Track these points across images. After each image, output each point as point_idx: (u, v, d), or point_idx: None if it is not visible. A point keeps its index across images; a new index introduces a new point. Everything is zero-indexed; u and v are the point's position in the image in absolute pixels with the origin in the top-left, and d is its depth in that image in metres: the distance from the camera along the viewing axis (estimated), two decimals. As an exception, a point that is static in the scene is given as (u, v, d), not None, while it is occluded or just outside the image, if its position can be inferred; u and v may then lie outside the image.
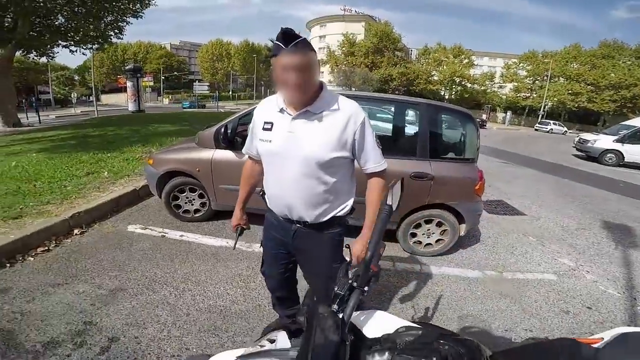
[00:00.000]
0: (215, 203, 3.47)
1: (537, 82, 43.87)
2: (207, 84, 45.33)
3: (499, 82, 48.53)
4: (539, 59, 43.18)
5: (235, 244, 1.72)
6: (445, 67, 43.91)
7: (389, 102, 3.87)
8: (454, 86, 46.10)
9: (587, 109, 40.34)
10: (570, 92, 40.08)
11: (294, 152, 1.27)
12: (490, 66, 55.81)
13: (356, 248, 1.36)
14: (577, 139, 15.59)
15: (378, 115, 3.92)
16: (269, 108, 1.35)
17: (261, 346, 1.00)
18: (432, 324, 1.34)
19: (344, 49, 45.24)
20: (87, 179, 4.37)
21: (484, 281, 3.05)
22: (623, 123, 15.32)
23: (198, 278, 2.60)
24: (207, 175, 3.30)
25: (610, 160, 13.22)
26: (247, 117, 3.20)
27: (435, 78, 45.29)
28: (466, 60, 44.97)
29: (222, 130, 3.12)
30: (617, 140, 13.35)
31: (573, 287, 3.13)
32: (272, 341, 1.02)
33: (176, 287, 2.46)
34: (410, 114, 3.50)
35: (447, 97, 45.88)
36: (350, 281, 0.85)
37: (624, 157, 13.10)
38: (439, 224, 3.23)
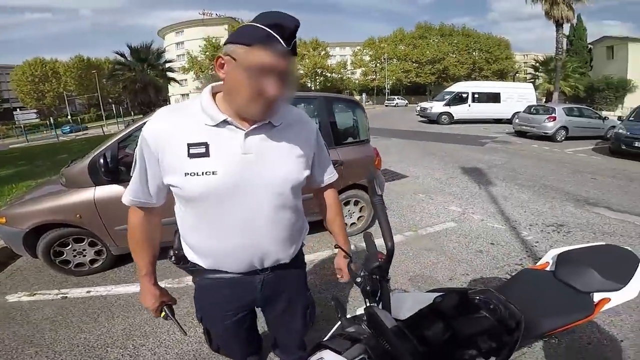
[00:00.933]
0: (115, 248, 2.92)
1: (378, 65, 50.99)
2: (34, 110, 35.72)
3: (351, 69, 55.09)
4: (377, 44, 50.17)
5: (181, 327, 1.13)
6: (307, 60, 46.81)
7: (292, 99, 3.95)
8: (316, 77, 49.86)
9: (417, 83, 49.67)
10: (402, 70, 48.26)
11: (259, 180, 0.91)
12: (342, 55, 62.09)
13: (343, 263, 1.19)
14: (418, 108, 19.40)
15: None
16: (190, 123, 0.87)
17: None
18: (447, 287, 1.47)
19: (207, 53, 43.36)
20: None
21: (409, 242, 3.50)
22: (445, 90, 19.47)
23: (143, 330, 2.23)
24: (94, 220, 2.72)
25: (444, 120, 16.88)
26: (128, 140, 2.78)
27: (301, 71, 47.74)
28: (323, 52, 49.21)
29: (101, 161, 2.56)
30: (446, 104, 17.14)
31: (471, 229, 3.90)
32: None
33: (124, 347, 2.08)
34: (311, 108, 3.62)
35: (312, 87, 49.15)
36: (375, 276, 0.94)
37: (453, 117, 16.97)
38: (356, 203, 3.56)
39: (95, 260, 2.96)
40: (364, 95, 49.56)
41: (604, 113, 14.10)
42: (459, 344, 0.90)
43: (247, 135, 0.88)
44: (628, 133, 8.55)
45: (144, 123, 1.01)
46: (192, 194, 0.88)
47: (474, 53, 49.44)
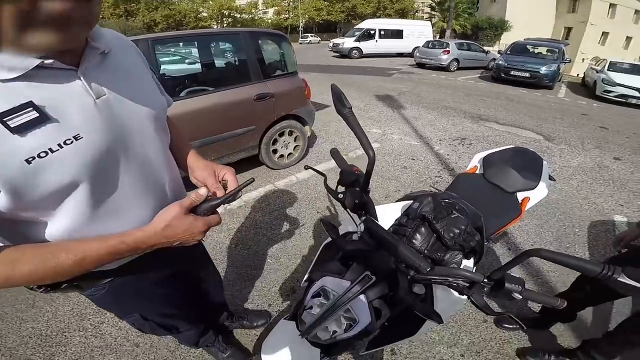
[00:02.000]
0: None
1: (291, 4, 48.38)
2: None
3: (263, 9, 51.14)
4: (289, -19, 46.67)
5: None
6: (211, 2, 42.26)
7: (213, 36, 3.68)
8: (224, 19, 45.04)
9: (328, 21, 48.70)
10: (315, 8, 46.69)
11: (133, 122, 0.69)
12: None
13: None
14: (330, 44, 19.31)
15: (207, 50, 3.56)
16: None
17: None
18: (408, 195, 1.48)
19: None
20: None
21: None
22: (355, 27, 19.70)
23: (93, 307, 1.92)
24: None
25: (355, 55, 17.47)
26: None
27: (205, 14, 43.27)
28: None
29: None
30: (356, 40, 17.58)
31: (392, 147, 4.23)
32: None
33: (83, 328, 1.80)
34: (236, 44, 3.40)
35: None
36: (357, 189, 0.95)
37: (363, 51, 17.65)
38: (290, 133, 3.56)
39: None
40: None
41: (486, 48, 15.95)
42: (446, 246, 0.92)
43: (83, 74, 0.61)
44: (506, 64, 10.09)
45: None
46: (61, 181, 0.58)
47: (379, -8, 49.93)
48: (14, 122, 0.51)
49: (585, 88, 10.32)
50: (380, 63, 14.83)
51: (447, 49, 12.72)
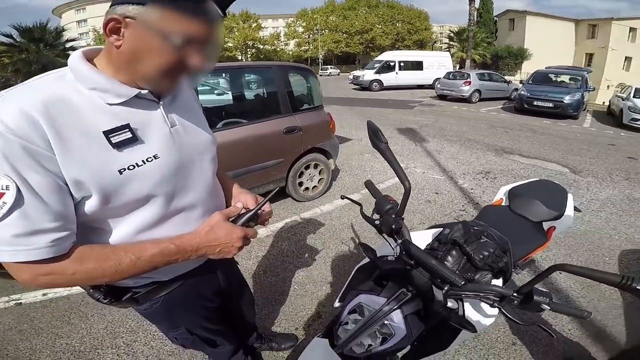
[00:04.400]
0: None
1: (311, 36, 50.78)
2: None
3: (284, 40, 54.35)
4: (310, 16, 49.68)
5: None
6: (237, 32, 45.18)
7: (246, 69, 3.90)
8: (248, 50, 48.14)
9: (347, 52, 50.42)
10: (333, 40, 48.62)
11: (194, 151, 0.83)
12: (274, 27, 61.22)
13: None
14: (350, 76, 19.79)
15: (239, 82, 3.79)
16: (81, 105, 0.65)
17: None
18: (441, 223, 1.58)
19: None
20: None
21: (365, 199, 3.78)
22: (375, 59, 20.21)
23: (127, 326, 2.04)
24: None
25: (375, 87, 17.76)
26: None
27: (230, 44, 46.00)
28: (255, 24, 47.51)
29: None
30: (376, 72, 17.94)
31: (415, 181, 4.29)
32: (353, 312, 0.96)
33: (116, 346, 1.90)
34: (267, 77, 3.61)
35: (243, 60, 46.70)
36: (392, 216, 1.02)
37: (383, 84, 17.90)
38: (316, 166, 3.71)
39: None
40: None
41: (507, 77, 16.06)
42: (476, 267, 0.98)
43: (164, 106, 0.76)
44: (529, 94, 10.05)
45: None
46: (140, 191, 0.71)
47: (397, 24, 51.55)
48: (115, 139, 0.66)
49: (612, 117, 10.14)
50: (401, 95, 15.17)
51: (468, 79, 12.83)
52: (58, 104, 0.61)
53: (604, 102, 15.58)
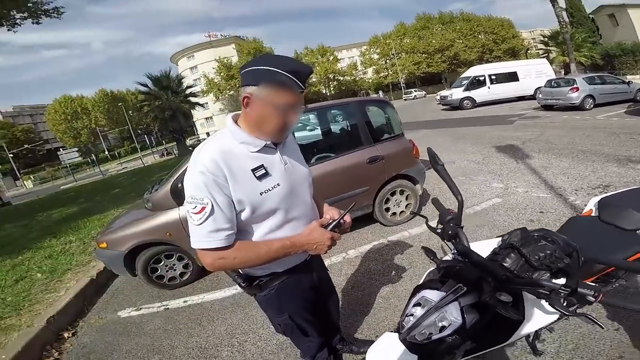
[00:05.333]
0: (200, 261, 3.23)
1: (388, 61, 50.99)
2: (75, 149, 34.88)
3: (362, 69, 55.39)
4: (382, 41, 50.24)
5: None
6: (318, 67, 47.32)
7: (329, 108, 4.32)
8: (330, 82, 50.48)
9: (430, 73, 48.96)
10: (413, 62, 47.95)
11: (299, 180, 1.20)
12: (350, 57, 62.59)
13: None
14: (437, 97, 19.24)
15: (325, 119, 4.28)
16: (238, 154, 1.05)
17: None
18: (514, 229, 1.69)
19: (222, 74, 44.19)
20: (22, 285, 3.64)
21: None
22: (461, 76, 19.30)
23: (242, 328, 2.50)
24: (181, 236, 3.01)
25: (467, 105, 16.85)
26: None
27: (314, 79, 48.30)
28: (332, 57, 49.61)
29: (180, 185, 2.96)
30: (465, 90, 17.07)
31: (517, 201, 3.97)
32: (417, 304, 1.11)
33: (231, 344, 2.34)
34: (348, 113, 3.99)
35: (327, 93, 49.48)
36: (452, 225, 1.21)
37: (476, 100, 16.91)
38: (402, 192, 3.80)
39: (184, 273, 3.29)
40: (380, 92, 49.40)
41: (628, 77, 13.59)
42: (534, 267, 1.05)
43: (280, 150, 1.15)
44: None
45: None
46: (270, 206, 1.09)
47: (480, 36, 48.55)
48: (257, 174, 1.06)
49: None
50: (498, 110, 14.10)
51: (575, 85, 11.29)
52: (227, 153, 1.03)
53: None
